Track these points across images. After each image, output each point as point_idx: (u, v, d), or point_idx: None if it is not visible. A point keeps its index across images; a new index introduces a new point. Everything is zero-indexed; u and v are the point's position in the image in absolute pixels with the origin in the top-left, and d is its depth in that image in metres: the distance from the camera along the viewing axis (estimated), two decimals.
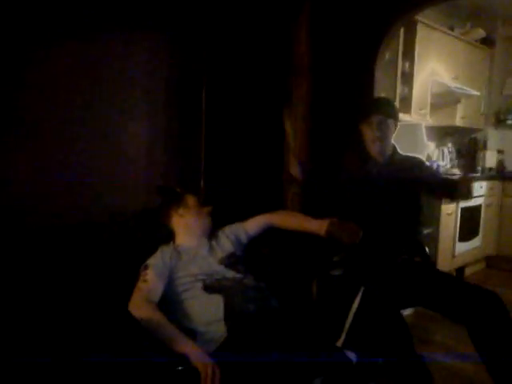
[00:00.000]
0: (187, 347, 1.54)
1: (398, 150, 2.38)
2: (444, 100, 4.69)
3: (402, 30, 3.73)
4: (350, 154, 2.41)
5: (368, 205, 2.23)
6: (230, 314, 1.71)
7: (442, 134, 5.10)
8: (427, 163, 2.48)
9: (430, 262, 2.42)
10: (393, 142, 2.33)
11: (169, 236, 1.99)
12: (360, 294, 1.98)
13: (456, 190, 2.22)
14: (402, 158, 2.37)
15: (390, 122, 2.25)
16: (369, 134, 2.25)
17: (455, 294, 2.01)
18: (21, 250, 1.79)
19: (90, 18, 2.24)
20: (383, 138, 2.24)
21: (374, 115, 2.23)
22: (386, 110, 2.26)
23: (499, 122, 5.26)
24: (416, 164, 2.38)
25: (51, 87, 2.19)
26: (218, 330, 1.67)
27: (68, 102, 2.25)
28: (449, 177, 2.37)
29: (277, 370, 1.51)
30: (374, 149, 2.27)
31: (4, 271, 1.68)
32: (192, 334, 1.67)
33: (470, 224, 4.42)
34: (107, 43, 2.35)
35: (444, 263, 4.00)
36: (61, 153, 2.23)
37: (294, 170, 2.63)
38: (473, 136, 5.31)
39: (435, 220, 3.91)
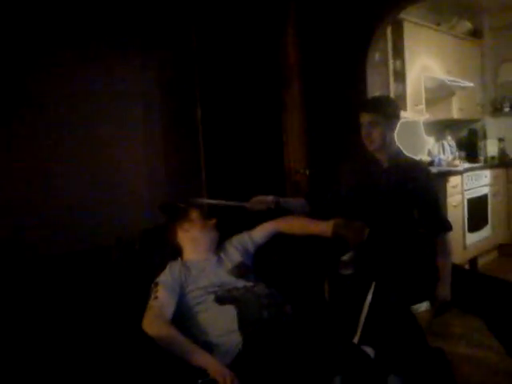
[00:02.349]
0: (204, 360, 1.55)
1: (404, 152, 2.32)
2: (439, 94, 4.72)
3: (389, 30, 3.79)
4: (355, 156, 2.39)
5: (371, 206, 2.22)
6: (245, 323, 1.71)
7: (440, 127, 5.11)
8: (429, 181, 2.32)
9: None
10: (396, 142, 2.27)
11: (176, 252, 2.00)
12: (371, 290, 1.99)
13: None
14: (407, 165, 2.28)
15: (379, 119, 2.16)
16: (363, 133, 2.20)
17: (468, 287, 2.01)
18: (33, 278, 1.82)
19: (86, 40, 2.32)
20: (374, 136, 2.17)
21: (362, 114, 2.19)
22: (374, 108, 2.19)
23: (496, 110, 5.26)
24: (417, 179, 2.25)
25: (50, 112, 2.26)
26: (234, 341, 1.67)
27: (67, 132, 2.32)
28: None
29: (296, 373, 1.50)
30: (369, 148, 2.22)
31: (19, 297, 1.71)
32: (208, 346, 1.67)
33: (478, 214, 4.41)
34: (103, 66, 2.42)
35: (456, 255, 3.96)
36: (62, 179, 2.28)
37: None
38: (471, 127, 5.32)
39: None
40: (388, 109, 2.22)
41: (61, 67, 2.29)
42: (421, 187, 2.23)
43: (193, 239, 1.98)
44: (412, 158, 2.39)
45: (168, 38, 2.61)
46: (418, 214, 2.24)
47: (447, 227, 2.26)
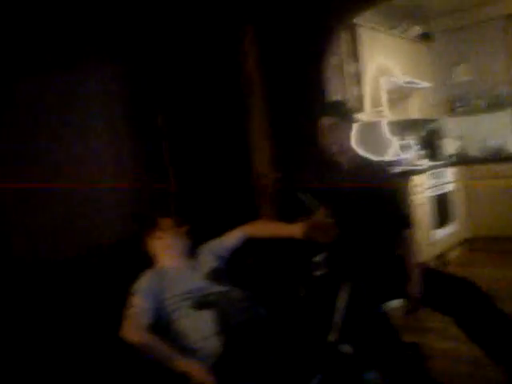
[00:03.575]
0: (186, 364, 1.55)
1: (360, 153, 2.38)
2: (397, 95, 4.85)
3: (344, 34, 3.89)
4: (318, 159, 2.43)
5: (338, 209, 2.25)
6: (223, 328, 1.72)
7: (401, 128, 5.22)
8: (388, 179, 2.43)
9: None
10: (353, 145, 2.33)
11: (149, 261, 1.99)
12: (345, 289, 2.02)
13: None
14: (365, 165, 2.35)
15: (341, 123, 2.23)
16: (322, 135, 2.24)
17: (436, 288, 2.07)
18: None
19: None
20: (337, 140, 2.22)
21: (324, 118, 2.22)
22: (335, 112, 2.25)
23: (451, 110, 5.47)
24: (376, 178, 2.32)
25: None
26: (213, 345, 1.68)
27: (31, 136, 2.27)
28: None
29: (276, 374, 1.52)
30: (330, 151, 2.25)
31: None
32: (187, 352, 1.67)
33: (442, 210, 4.54)
34: (67, 78, 2.39)
35: (424, 251, 4.05)
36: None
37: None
38: (430, 126, 5.49)
39: None
40: (347, 111, 2.31)
41: (24, 75, 2.26)
42: (381, 186, 2.28)
43: (166, 247, 1.98)
44: (367, 158, 2.44)
45: (128, 46, 2.60)
46: (380, 212, 2.28)
47: (408, 224, 2.30)
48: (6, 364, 1.50)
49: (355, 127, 2.33)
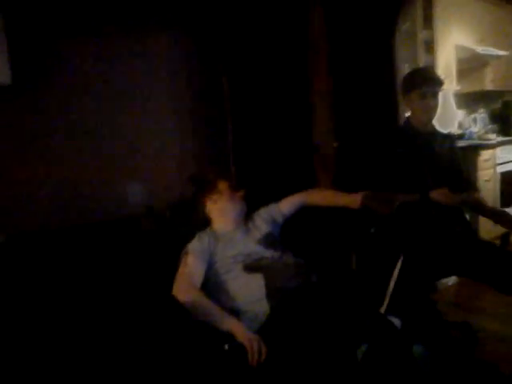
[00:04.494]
0: (232, 325, 1.58)
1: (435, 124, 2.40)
2: (471, 65, 4.58)
3: None
4: (388, 127, 2.38)
5: (410, 175, 2.22)
6: (272, 292, 1.73)
7: (471, 100, 4.96)
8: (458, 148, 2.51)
9: (471, 230, 2.38)
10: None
11: (205, 223, 2.03)
12: (400, 261, 2.00)
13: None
14: (440, 134, 2.42)
15: (439, 92, 2.29)
16: (421, 104, 2.26)
17: (496, 265, 2.00)
18: (69, 244, 1.89)
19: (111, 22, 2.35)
20: (436, 107, 2.28)
21: (428, 85, 2.24)
22: (438, 81, 2.28)
23: None
24: (452, 146, 2.42)
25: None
26: (261, 308, 1.70)
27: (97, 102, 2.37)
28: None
29: (322, 340, 1.53)
30: (423, 119, 2.29)
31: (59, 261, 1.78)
32: (236, 313, 1.70)
33: (510, 189, 4.31)
34: (132, 43, 2.46)
35: (487, 230, 3.90)
36: (99, 150, 2.35)
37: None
38: (506, 98, 5.16)
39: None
40: (441, 81, 2.32)
41: (95, 41, 2.35)
42: (456, 154, 2.37)
43: (221, 210, 2.00)
44: (441, 131, 2.48)
45: (196, 11, 2.60)
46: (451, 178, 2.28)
47: (477, 188, 2.44)
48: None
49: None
